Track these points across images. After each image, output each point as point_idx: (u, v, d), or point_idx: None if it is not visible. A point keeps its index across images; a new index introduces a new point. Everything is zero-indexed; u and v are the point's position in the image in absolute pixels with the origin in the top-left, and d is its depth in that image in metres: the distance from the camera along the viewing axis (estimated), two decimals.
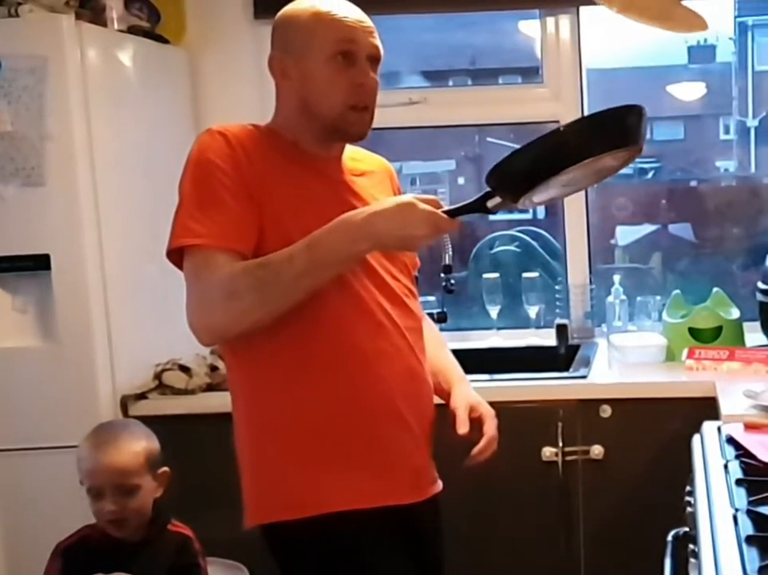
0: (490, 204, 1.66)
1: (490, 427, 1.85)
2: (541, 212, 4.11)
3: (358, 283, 1.75)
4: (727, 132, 4.26)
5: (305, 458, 1.73)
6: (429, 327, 2.04)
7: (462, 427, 1.80)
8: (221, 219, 1.67)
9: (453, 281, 3.14)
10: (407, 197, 1.66)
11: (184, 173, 1.73)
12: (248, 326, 1.66)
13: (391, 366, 1.77)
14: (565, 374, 2.85)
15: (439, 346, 2.02)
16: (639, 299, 3.20)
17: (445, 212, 1.65)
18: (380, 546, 1.75)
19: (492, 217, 4.28)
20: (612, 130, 1.61)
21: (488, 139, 4.05)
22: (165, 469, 2.11)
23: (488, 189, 1.66)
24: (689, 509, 1.82)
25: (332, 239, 1.63)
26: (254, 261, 1.65)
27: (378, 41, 1.78)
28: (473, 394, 1.91)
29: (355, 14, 1.77)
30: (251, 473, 1.79)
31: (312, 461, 1.73)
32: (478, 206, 1.68)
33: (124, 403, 2.70)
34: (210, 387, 2.78)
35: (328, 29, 1.73)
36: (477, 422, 1.84)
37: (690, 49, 4.36)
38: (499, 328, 3.36)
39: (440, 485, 1.92)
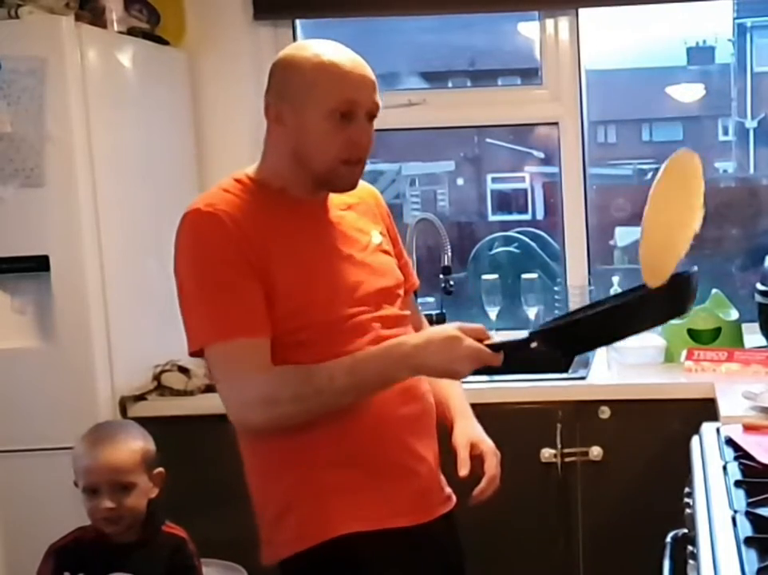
0: (533, 345, 1.70)
1: (491, 465, 1.84)
2: (540, 214, 4.12)
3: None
4: (726, 133, 4.26)
5: (314, 485, 1.73)
6: None
7: (463, 469, 1.79)
8: (237, 309, 1.66)
9: (452, 282, 3.15)
10: (453, 330, 1.67)
11: (181, 260, 1.71)
12: (287, 427, 1.69)
13: (390, 389, 1.75)
14: (564, 375, 2.85)
15: None
16: None
17: (488, 345, 1.67)
18: (391, 566, 1.73)
19: (490, 218, 4.31)
20: (669, 303, 1.69)
21: (488, 140, 4.05)
22: (161, 469, 2.12)
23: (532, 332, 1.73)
24: (688, 510, 1.82)
25: (374, 366, 1.66)
26: (293, 371, 1.66)
27: (378, 97, 1.75)
28: (474, 430, 1.90)
29: (359, 68, 1.73)
30: (266, 510, 1.79)
31: (321, 486, 1.72)
32: (522, 346, 1.71)
33: (123, 404, 2.71)
34: (209, 388, 2.78)
35: (330, 85, 1.69)
36: (478, 460, 1.83)
37: (689, 50, 4.35)
38: (498, 329, 3.36)
39: (452, 502, 1.90)
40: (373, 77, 1.75)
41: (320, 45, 1.74)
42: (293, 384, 1.65)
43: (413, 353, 1.65)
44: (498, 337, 3.24)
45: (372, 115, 1.74)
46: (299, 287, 1.70)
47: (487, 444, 1.88)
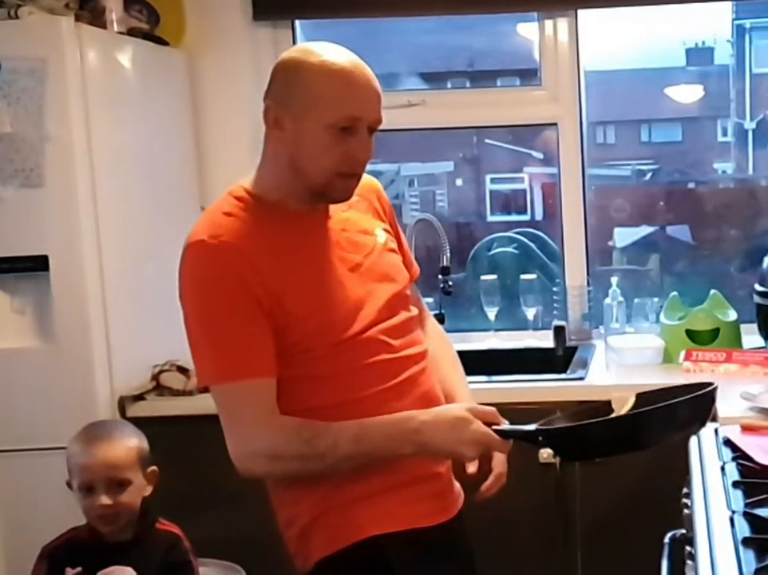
0: (540, 439, 1.69)
1: (499, 462, 1.83)
2: (539, 214, 4.12)
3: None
4: (725, 134, 4.27)
5: (342, 495, 1.72)
6: (442, 342, 2.01)
7: (471, 466, 1.77)
8: (239, 349, 1.65)
9: (450, 282, 3.15)
10: (463, 411, 1.66)
11: (186, 293, 1.68)
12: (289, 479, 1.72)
13: (408, 396, 1.76)
14: (563, 375, 2.85)
15: (450, 365, 1.98)
16: (636, 300, 3.20)
17: (497, 430, 1.66)
18: (413, 568, 1.73)
19: (489, 219, 4.32)
20: (688, 416, 1.64)
21: (487, 140, 4.06)
22: (154, 468, 2.13)
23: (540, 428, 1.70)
24: (686, 511, 1.82)
25: (379, 437, 1.65)
26: (298, 429, 1.65)
27: (381, 111, 1.71)
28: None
29: (365, 81, 1.68)
30: (294, 524, 1.77)
31: (349, 495, 1.72)
32: (530, 438, 1.70)
33: (122, 404, 2.71)
34: (208, 388, 2.77)
35: (334, 99, 1.65)
36: (485, 457, 1.81)
37: (688, 51, 4.36)
38: (497, 330, 3.37)
39: (462, 498, 1.90)
40: (379, 89, 1.71)
41: (327, 52, 1.69)
42: (296, 443, 1.65)
43: (420, 429, 1.65)
44: (497, 338, 3.29)
45: (373, 129, 1.71)
46: (315, 310, 1.69)
47: None
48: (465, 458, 1.69)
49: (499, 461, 1.84)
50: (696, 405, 1.65)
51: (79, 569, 1.97)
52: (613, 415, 1.69)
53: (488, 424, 1.67)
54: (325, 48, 1.70)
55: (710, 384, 1.67)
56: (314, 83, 1.66)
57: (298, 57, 1.70)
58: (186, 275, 1.68)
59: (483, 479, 1.82)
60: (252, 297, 1.65)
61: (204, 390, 1.73)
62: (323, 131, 1.66)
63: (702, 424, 1.69)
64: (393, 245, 1.89)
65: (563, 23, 3.25)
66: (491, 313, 3.35)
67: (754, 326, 2.94)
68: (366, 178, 1.85)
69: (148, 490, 2.12)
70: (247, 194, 1.74)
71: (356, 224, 1.82)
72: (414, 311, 1.88)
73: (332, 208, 1.80)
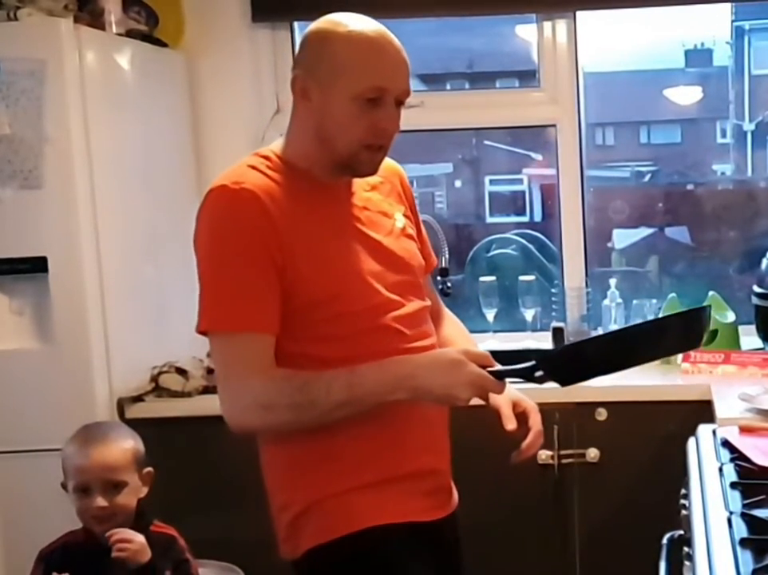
0: (537, 374, 1.67)
1: (536, 421, 1.82)
2: (538, 216, 4.13)
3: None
4: (724, 135, 4.28)
5: (339, 485, 1.71)
6: (455, 325, 2.02)
7: (510, 424, 1.75)
8: (245, 301, 1.63)
9: (449, 284, 3.15)
10: (457, 353, 1.64)
11: (201, 238, 1.67)
12: (283, 431, 1.69)
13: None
14: None
15: (472, 344, 1.98)
16: (635, 302, 3.20)
17: (492, 372, 1.64)
18: (410, 560, 1.73)
19: (488, 220, 4.32)
20: (681, 333, 1.67)
21: (486, 142, 4.06)
22: (150, 469, 2.14)
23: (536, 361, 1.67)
24: (684, 512, 1.82)
25: (372, 383, 1.63)
26: (290, 378, 1.64)
27: (408, 83, 1.71)
28: (512, 390, 1.84)
29: (393, 53, 1.69)
30: (288, 509, 1.76)
31: (347, 485, 1.71)
32: (526, 375, 1.68)
33: (121, 406, 2.71)
34: (207, 390, 2.78)
35: (362, 70, 1.65)
36: (521, 417, 1.80)
37: (687, 52, 4.37)
38: (495, 331, 3.36)
39: (457, 496, 1.90)
40: (407, 60, 1.71)
41: (355, 22, 1.69)
42: (288, 391, 1.62)
43: (413, 374, 1.62)
44: (496, 339, 3.29)
45: (400, 101, 1.70)
46: (326, 275, 1.67)
47: (527, 401, 1.85)
48: (459, 400, 1.64)
49: (536, 420, 1.82)
50: (688, 322, 1.67)
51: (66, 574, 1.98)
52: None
53: (483, 367, 1.64)
54: (353, 18, 1.70)
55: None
56: (341, 53, 1.66)
57: (326, 27, 1.70)
58: (203, 219, 1.68)
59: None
60: (266, 249, 1.63)
61: (202, 333, 1.70)
62: (350, 101, 1.65)
63: (695, 344, 1.69)
64: (412, 231, 1.88)
65: (561, 25, 3.25)
66: (490, 314, 3.34)
67: (753, 327, 2.94)
68: (390, 162, 1.86)
69: (144, 492, 2.12)
70: (275, 156, 1.74)
71: (377, 204, 1.81)
72: (428, 301, 1.86)
73: (356, 184, 1.79)
